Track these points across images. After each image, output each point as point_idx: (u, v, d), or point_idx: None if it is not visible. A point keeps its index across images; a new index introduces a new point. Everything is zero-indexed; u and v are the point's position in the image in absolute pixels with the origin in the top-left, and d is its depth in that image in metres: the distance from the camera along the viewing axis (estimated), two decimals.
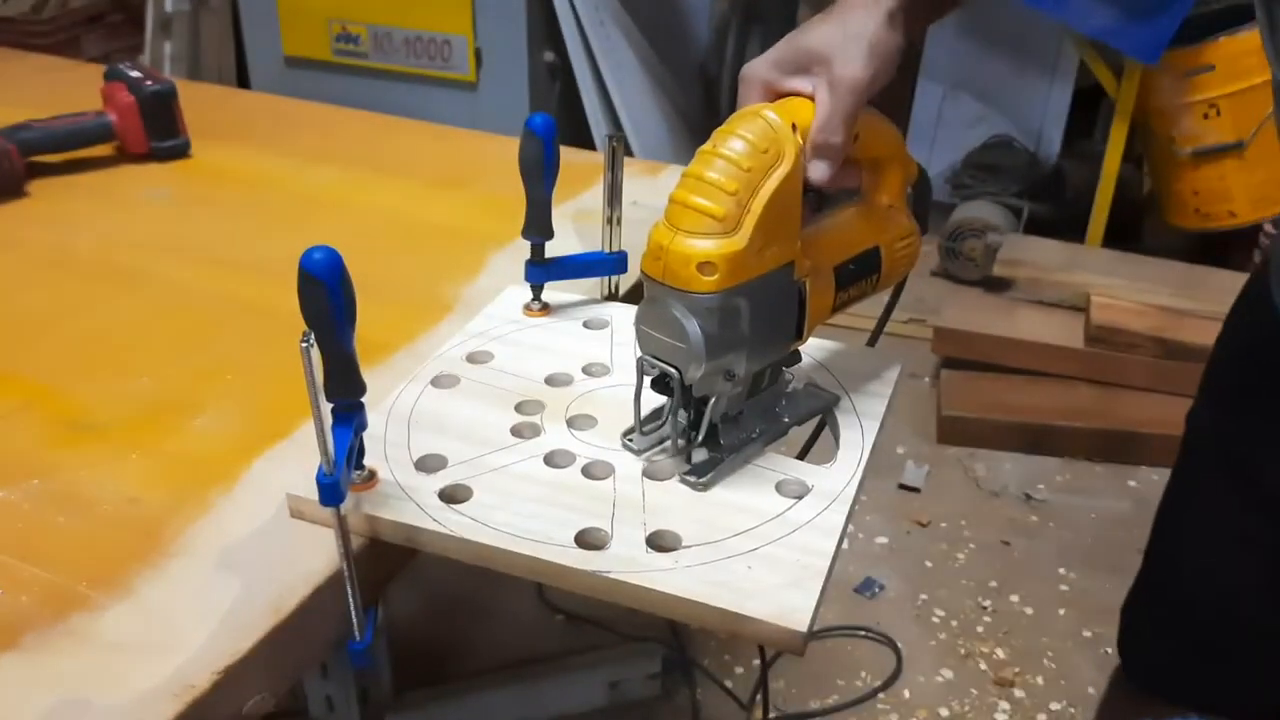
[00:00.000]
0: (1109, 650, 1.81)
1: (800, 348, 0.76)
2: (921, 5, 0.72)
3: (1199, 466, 0.95)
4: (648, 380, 0.71)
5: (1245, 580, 0.90)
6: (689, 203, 0.64)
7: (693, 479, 0.70)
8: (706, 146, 0.66)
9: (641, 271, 0.68)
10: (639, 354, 0.70)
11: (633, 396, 0.72)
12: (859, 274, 0.77)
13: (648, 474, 0.72)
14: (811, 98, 0.70)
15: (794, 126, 0.66)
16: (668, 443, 0.73)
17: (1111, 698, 1.16)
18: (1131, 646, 1.05)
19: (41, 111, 1.27)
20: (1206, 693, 0.94)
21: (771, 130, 0.65)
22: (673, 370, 0.67)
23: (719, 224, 0.64)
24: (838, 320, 0.78)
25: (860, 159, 0.75)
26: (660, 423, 0.74)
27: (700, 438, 0.71)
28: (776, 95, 0.71)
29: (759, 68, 0.72)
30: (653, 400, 0.72)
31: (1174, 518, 0.99)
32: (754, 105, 0.68)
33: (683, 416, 0.72)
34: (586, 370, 0.84)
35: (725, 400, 0.70)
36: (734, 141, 0.65)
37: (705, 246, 0.64)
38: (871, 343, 0.89)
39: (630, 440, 0.74)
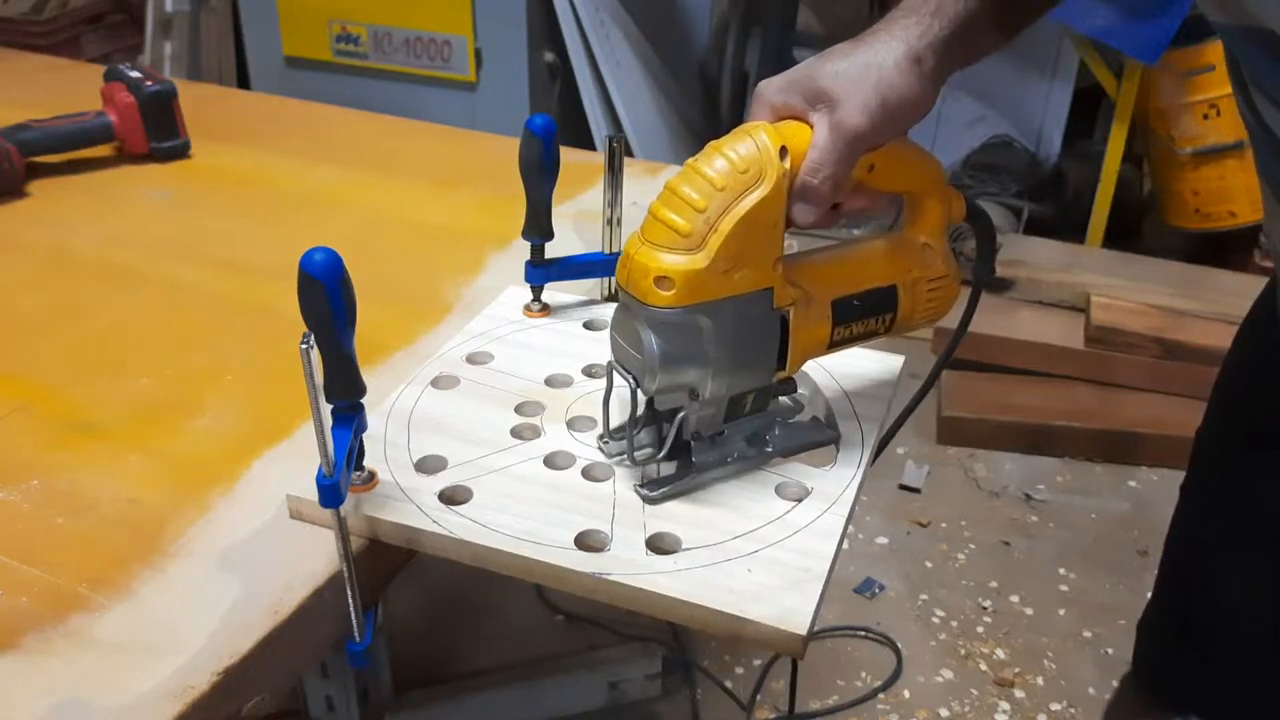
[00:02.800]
0: (1109, 650, 1.82)
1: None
2: (956, 44, 0.67)
3: (1209, 489, 0.94)
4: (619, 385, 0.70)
5: (1258, 604, 0.89)
6: (659, 215, 0.64)
7: (645, 491, 0.70)
8: (691, 160, 0.65)
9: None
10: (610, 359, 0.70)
11: (602, 400, 0.72)
12: (864, 311, 0.73)
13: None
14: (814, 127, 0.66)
15: (783, 151, 0.64)
16: (639, 450, 0.72)
17: (1118, 705, 1.16)
18: (1146, 663, 1.04)
19: (41, 111, 1.27)
20: (1222, 710, 0.94)
21: (757, 152, 0.63)
22: (630, 380, 0.67)
23: (683, 240, 0.63)
24: None
25: (883, 191, 0.72)
26: (635, 430, 0.73)
27: (664, 452, 0.70)
28: (783, 116, 0.68)
29: (770, 87, 0.68)
30: (628, 407, 0.72)
31: (1185, 538, 0.97)
32: (753, 123, 0.66)
33: (651, 427, 0.71)
34: (586, 371, 0.84)
35: (695, 419, 0.69)
36: (717, 159, 0.64)
37: (666, 261, 0.63)
38: (931, 381, 0.83)
39: (605, 444, 0.74)
